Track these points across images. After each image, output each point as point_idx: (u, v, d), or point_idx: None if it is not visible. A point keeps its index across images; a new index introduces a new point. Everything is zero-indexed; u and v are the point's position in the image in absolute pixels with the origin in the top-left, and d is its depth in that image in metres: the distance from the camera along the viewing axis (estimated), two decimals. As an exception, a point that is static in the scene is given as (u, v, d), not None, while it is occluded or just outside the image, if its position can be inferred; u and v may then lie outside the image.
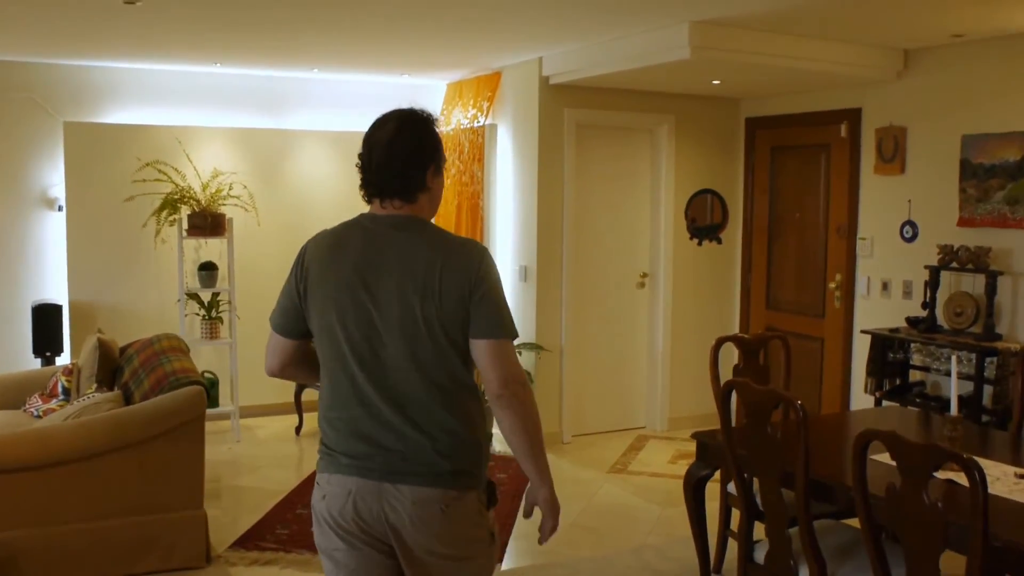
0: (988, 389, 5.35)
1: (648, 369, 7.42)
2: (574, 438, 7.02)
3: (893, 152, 6.17)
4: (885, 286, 6.30)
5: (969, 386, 5.60)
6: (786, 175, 7.13)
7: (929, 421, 4.56)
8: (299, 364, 2.60)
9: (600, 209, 7.13)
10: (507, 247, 7.14)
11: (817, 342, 6.87)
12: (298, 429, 7.12)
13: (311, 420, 7.37)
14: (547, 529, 2.49)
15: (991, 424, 5.37)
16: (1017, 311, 5.52)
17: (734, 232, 7.52)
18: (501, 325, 2.38)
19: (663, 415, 7.37)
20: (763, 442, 3.37)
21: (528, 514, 2.56)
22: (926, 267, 5.80)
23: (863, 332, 6.00)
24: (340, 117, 7.80)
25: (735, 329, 7.54)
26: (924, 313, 5.85)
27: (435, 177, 2.48)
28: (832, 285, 6.67)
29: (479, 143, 7.29)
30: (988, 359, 5.33)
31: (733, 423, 3.71)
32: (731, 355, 5.81)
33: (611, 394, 7.29)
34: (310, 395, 7.17)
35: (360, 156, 2.48)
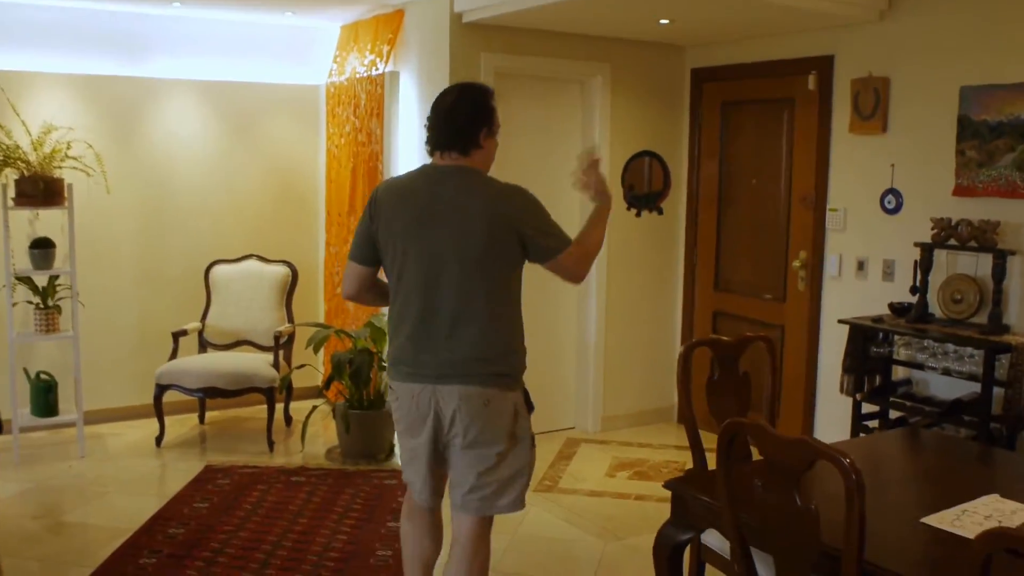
0: (995, 392, 4.42)
1: (578, 362, 6.36)
2: (493, 445, 5.93)
3: (873, 107, 5.18)
4: (861, 266, 5.34)
5: (968, 387, 4.68)
6: (740, 135, 6.10)
7: (993, 459, 3.59)
8: (371, 289, 3.16)
9: (522, 173, 5.96)
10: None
11: (776, 330, 5.89)
12: (159, 439, 5.85)
13: (175, 427, 6.12)
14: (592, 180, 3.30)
15: (1002, 433, 4.46)
16: (1027, 298, 4.60)
17: (677, 201, 6.48)
18: (560, 240, 2.97)
19: (595, 415, 6.33)
20: (787, 511, 2.31)
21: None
22: (917, 244, 4.83)
23: (841, 322, 5.01)
24: (210, 63, 6.49)
25: (677, 313, 6.53)
26: (913, 299, 4.90)
27: (487, 138, 3.02)
28: (796, 264, 5.69)
29: (378, 94, 6.08)
30: (999, 356, 4.40)
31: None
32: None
33: (534, 391, 6.16)
34: (174, 397, 5.91)
35: (428, 118, 3.02)
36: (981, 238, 4.59)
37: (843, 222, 5.41)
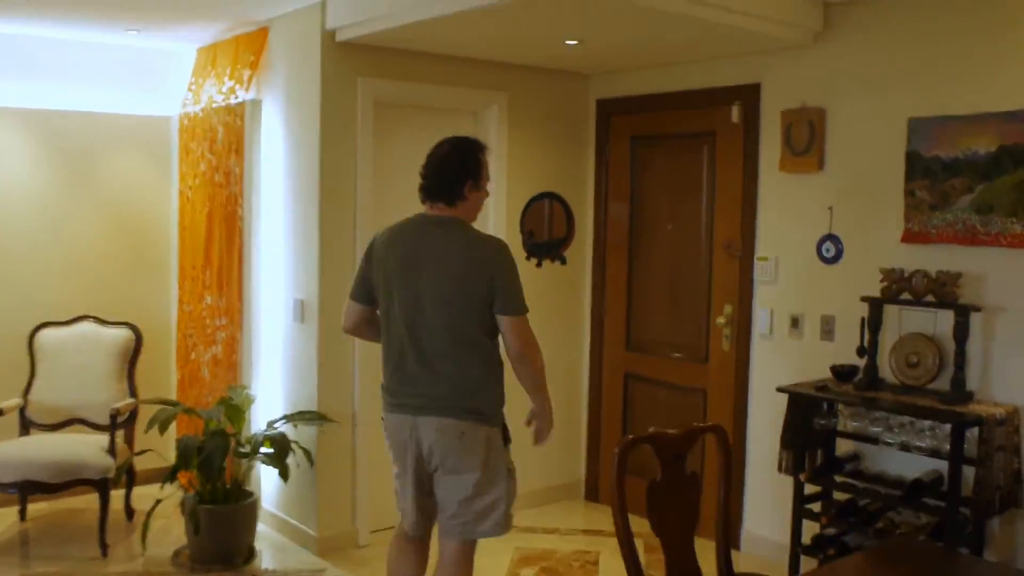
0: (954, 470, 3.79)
1: (474, 433, 5.54)
2: (376, 536, 5.05)
3: (807, 142, 4.56)
4: (795, 323, 4.68)
5: (924, 464, 4.06)
6: (653, 174, 5.42)
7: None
8: (367, 325, 3.46)
9: (407, 214, 5.19)
10: (277, 273, 5.09)
11: (697, 395, 5.19)
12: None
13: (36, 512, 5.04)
14: (540, 431, 3.40)
15: (972, 521, 3.82)
16: (991, 361, 3.99)
17: (582, 249, 5.76)
18: (516, 305, 3.20)
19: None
20: None
21: (528, 423, 3.39)
22: (864, 299, 4.20)
23: (781, 390, 4.32)
24: (40, 89, 5.49)
25: (584, 376, 5.77)
26: (859, 361, 4.26)
27: (472, 191, 3.28)
28: (720, 320, 5.01)
29: (237, 127, 5.21)
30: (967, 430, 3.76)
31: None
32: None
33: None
34: None
35: (422, 167, 3.33)
36: (940, 292, 3.97)
37: (774, 273, 4.76)
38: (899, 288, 4.09)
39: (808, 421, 4.25)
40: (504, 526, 3.30)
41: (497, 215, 5.35)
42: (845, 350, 4.41)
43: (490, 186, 3.47)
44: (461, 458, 3.20)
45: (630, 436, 2.68)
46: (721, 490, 2.89)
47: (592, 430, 5.79)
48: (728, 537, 2.84)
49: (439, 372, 3.20)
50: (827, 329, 4.54)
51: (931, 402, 3.90)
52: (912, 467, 4.17)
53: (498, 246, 3.25)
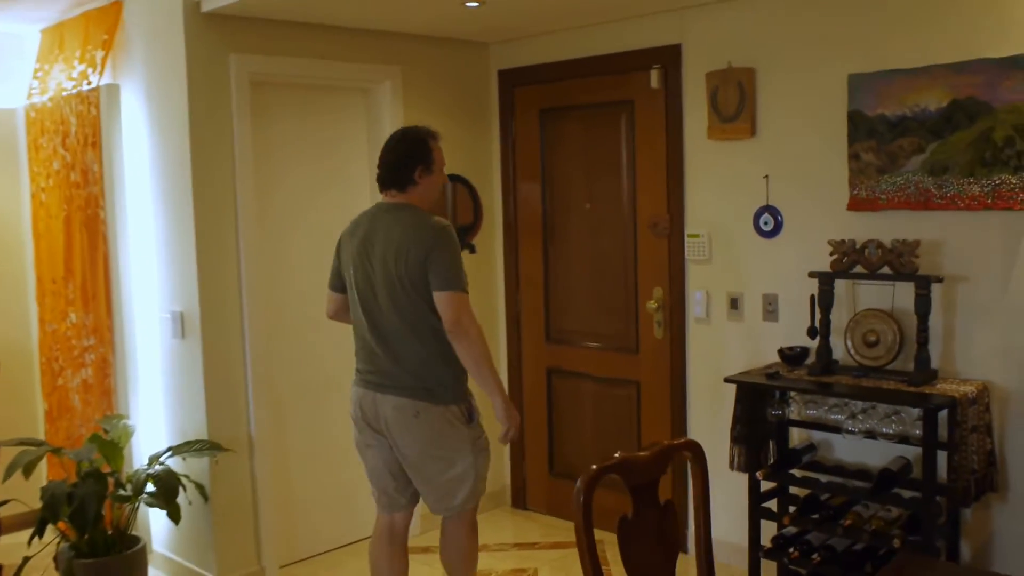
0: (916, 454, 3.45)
1: (387, 445, 5.02)
2: (286, 571, 4.50)
3: (737, 106, 4.16)
4: (734, 303, 4.30)
5: (886, 451, 3.74)
6: (566, 150, 4.96)
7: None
8: (344, 311, 3.55)
9: (298, 212, 4.63)
10: (150, 283, 4.45)
11: (629, 387, 4.78)
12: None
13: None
14: (506, 435, 3.40)
15: (946, 511, 3.50)
16: (954, 335, 3.67)
17: (492, 236, 5.27)
18: (448, 281, 3.22)
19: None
20: None
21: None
22: (812, 275, 3.83)
23: (728, 381, 3.92)
24: None
25: (502, 374, 5.28)
26: (810, 343, 3.90)
27: (423, 176, 3.38)
28: (651, 305, 4.59)
29: (92, 117, 4.53)
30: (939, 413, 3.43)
31: None
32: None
33: (338, 492, 4.80)
34: None
35: (378, 158, 3.45)
36: (896, 263, 3.62)
37: (707, 250, 4.36)
38: (851, 261, 3.73)
39: (760, 412, 3.88)
40: (474, 495, 3.44)
41: (398, 203, 4.81)
42: (792, 331, 4.05)
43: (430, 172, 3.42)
44: (419, 437, 3.31)
45: (593, 467, 2.20)
46: (700, 515, 2.45)
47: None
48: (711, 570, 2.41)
49: (395, 352, 3.31)
50: (770, 309, 4.17)
51: (896, 384, 3.55)
52: (870, 455, 3.84)
53: (437, 226, 3.29)
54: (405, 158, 3.36)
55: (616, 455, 2.27)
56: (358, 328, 3.44)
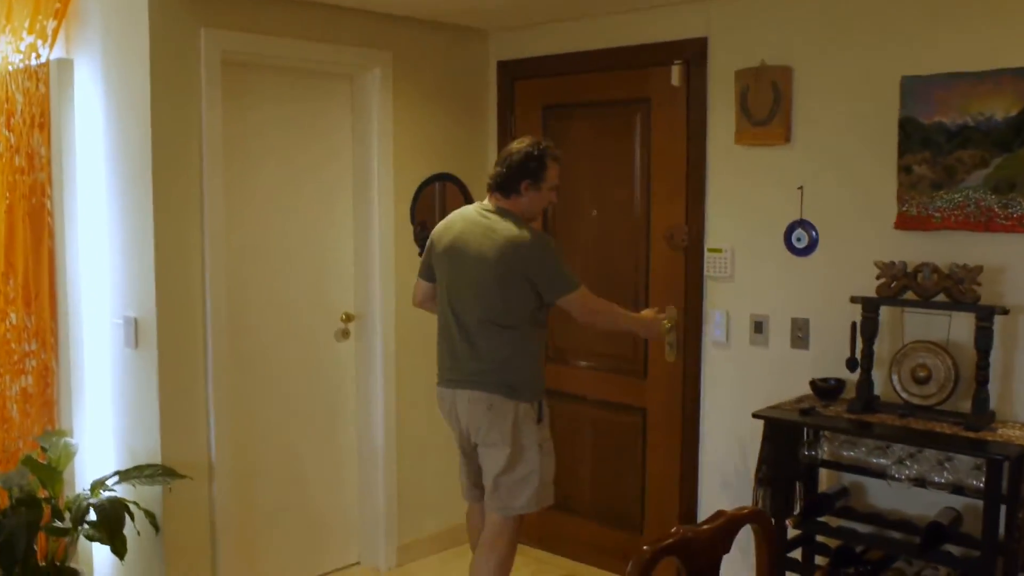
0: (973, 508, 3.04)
1: (362, 472, 4.52)
2: (244, 611, 4.01)
3: (770, 109, 3.73)
4: (758, 327, 3.87)
5: (928, 500, 3.33)
6: (572, 152, 4.46)
7: None
8: (430, 300, 3.68)
9: (272, 210, 4.13)
10: (101, 284, 3.94)
11: (634, 415, 4.33)
12: None
13: None
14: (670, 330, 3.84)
15: (1004, 573, 3.08)
16: (1013, 373, 3.26)
17: (485, 242, 4.80)
18: (565, 284, 3.39)
19: (388, 543, 4.51)
20: None
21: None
22: (855, 300, 3.40)
23: (756, 416, 3.48)
24: None
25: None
26: (847, 375, 3.47)
27: (529, 189, 3.43)
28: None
29: (40, 95, 4.00)
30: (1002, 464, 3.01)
31: None
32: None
33: (305, 523, 4.32)
34: None
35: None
36: (956, 290, 3.20)
37: (730, 267, 3.93)
38: (900, 285, 3.31)
39: (791, 452, 3.45)
40: (538, 501, 3.44)
41: (383, 202, 4.34)
42: (823, 361, 3.63)
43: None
44: (491, 429, 3.38)
45: (646, 548, 1.74)
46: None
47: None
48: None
49: (478, 348, 3.39)
50: (800, 335, 3.74)
51: (951, 428, 3.14)
52: (910, 503, 3.43)
53: (535, 233, 3.41)
54: (518, 167, 3.40)
55: (673, 530, 1.82)
56: (441, 324, 3.54)
